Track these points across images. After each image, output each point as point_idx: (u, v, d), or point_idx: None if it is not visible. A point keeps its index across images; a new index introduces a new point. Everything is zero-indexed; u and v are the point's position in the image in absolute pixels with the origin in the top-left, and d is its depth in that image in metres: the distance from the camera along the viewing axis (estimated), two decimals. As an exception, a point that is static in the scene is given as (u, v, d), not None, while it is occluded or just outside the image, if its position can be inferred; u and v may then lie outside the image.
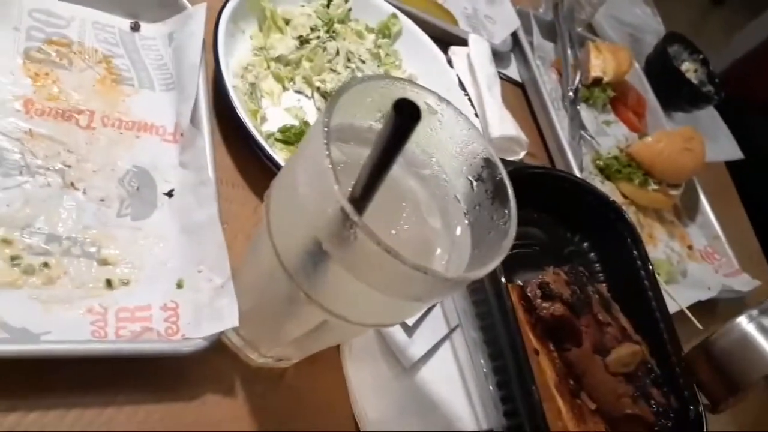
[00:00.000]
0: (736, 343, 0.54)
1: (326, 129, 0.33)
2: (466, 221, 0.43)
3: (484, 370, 0.59)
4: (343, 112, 0.36)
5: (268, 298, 0.43)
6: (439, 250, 0.41)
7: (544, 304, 0.59)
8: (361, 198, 0.32)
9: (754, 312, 0.54)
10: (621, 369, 0.62)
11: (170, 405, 0.45)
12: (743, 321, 0.54)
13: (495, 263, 0.36)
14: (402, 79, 0.38)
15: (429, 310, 0.61)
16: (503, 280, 0.56)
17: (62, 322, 0.43)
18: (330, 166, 0.32)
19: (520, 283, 0.62)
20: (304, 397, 0.51)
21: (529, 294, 0.60)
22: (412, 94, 0.41)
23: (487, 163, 0.42)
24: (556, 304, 0.59)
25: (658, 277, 0.73)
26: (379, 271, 0.35)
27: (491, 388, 0.58)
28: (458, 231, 0.42)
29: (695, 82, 1.20)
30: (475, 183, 0.42)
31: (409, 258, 0.32)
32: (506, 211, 0.39)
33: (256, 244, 0.44)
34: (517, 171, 0.70)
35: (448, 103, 0.42)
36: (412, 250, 0.34)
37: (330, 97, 0.34)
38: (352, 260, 0.35)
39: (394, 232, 0.39)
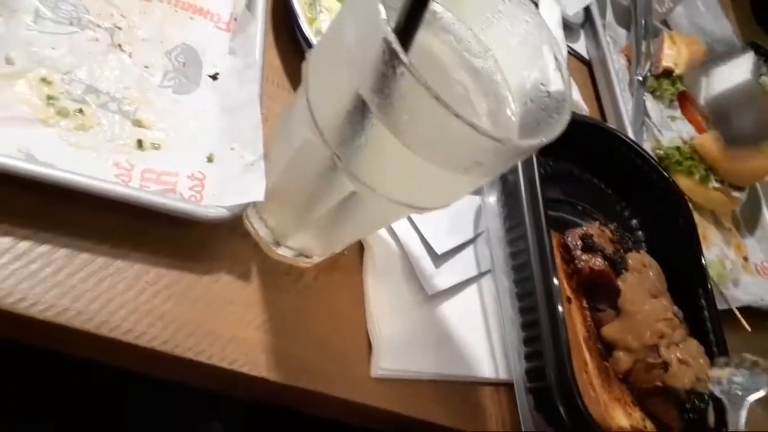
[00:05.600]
0: None
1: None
2: (515, 119, 0.40)
3: (512, 315, 0.55)
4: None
5: (297, 169, 0.42)
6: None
7: (584, 256, 0.56)
8: (404, 29, 0.30)
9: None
10: (657, 341, 0.57)
11: (182, 274, 0.44)
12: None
13: (545, 138, 0.33)
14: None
15: (460, 247, 0.59)
16: (545, 219, 0.53)
17: (87, 167, 0.42)
18: (380, -4, 0.30)
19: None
20: (319, 300, 0.49)
21: (569, 243, 0.56)
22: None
23: (548, 55, 0.39)
24: (597, 258, 0.56)
25: (709, 272, 0.68)
26: (419, 125, 0.32)
27: (516, 333, 0.54)
28: (505, 128, 0.39)
29: (771, 97, 1.14)
30: (531, 78, 0.40)
31: (454, 107, 0.30)
32: (562, 102, 0.36)
33: (289, 117, 0.42)
34: (588, 125, 0.66)
35: (513, -17, 0.40)
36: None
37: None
38: (391, 114, 0.33)
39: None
